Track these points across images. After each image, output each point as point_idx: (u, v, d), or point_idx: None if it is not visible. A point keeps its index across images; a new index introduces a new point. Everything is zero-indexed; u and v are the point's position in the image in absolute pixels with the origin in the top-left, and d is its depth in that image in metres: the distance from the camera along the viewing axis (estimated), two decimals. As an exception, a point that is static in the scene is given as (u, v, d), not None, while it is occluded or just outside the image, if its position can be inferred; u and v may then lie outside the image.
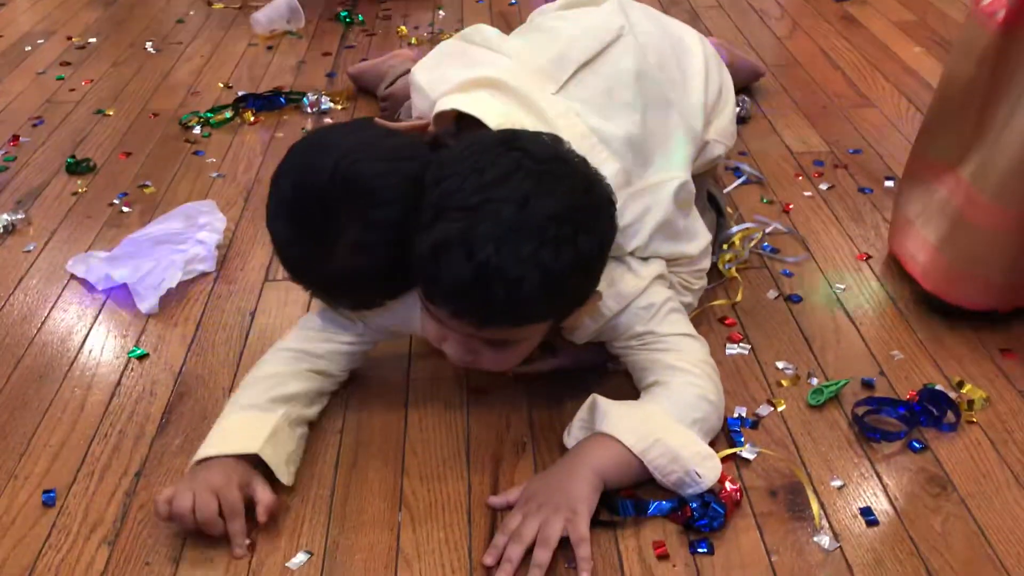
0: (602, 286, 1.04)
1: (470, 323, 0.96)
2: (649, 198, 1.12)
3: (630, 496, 1.02)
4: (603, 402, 1.04)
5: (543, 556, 0.93)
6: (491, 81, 1.15)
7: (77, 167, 1.74)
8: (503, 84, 1.14)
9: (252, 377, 1.13)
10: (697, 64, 1.28)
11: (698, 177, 1.32)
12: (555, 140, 1.00)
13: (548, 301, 0.96)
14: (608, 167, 1.07)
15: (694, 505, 0.99)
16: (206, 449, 1.04)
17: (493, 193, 0.92)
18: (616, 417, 1.02)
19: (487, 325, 0.97)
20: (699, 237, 1.20)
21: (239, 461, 1.02)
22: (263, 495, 1.00)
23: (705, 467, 1.00)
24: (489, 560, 0.95)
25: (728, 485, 1.01)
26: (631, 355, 1.12)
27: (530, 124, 1.08)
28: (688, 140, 1.20)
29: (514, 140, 0.98)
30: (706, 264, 1.23)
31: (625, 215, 1.06)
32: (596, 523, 0.98)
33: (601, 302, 1.06)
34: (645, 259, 1.13)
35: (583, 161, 1.00)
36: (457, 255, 0.91)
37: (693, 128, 1.22)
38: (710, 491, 1.00)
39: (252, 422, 1.06)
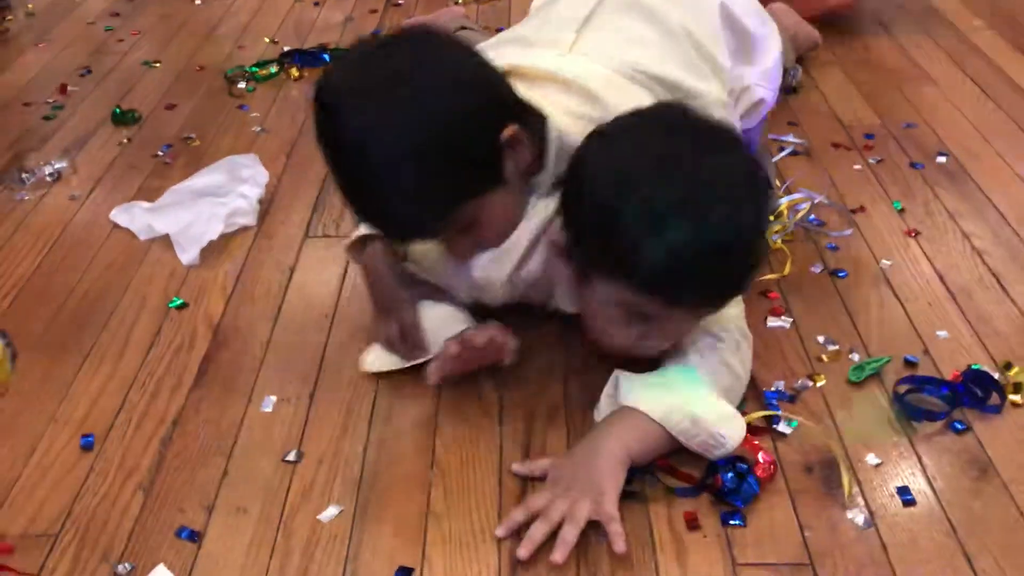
0: None
1: (709, 310, 1.00)
2: None
3: (664, 465, 1.01)
4: (625, 375, 1.03)
5: (571, 533, 0.92)
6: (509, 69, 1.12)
7: (123, 118, 1.75)
8: (517, 69, 1.12)
9: None
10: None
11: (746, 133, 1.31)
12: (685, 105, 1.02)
13: (761, 255, 1.00)
14: (643, 99, 1.08)
15: (727, 478, 0.98)
16: None
17: (700, 178, 0.92)
18: (638, 387, 1.02)
19: (709, 304, 1.00)
20: None
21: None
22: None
23: (728, 427, 0.99)
24: (500, 532, 0.94)
25: (762, 457, 1.00)
26: None
27: (556, 92, 1.07)
28: (716, 70, 1.21)
29: (670, 118, 0.98)
30: None
31: None
32: (626, 494, 0.97)
33: None
34: None
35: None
36: (696, 247, 0.90)
37: (714, 59, 1.23)
38: (743, 461, 0.99)
39: None
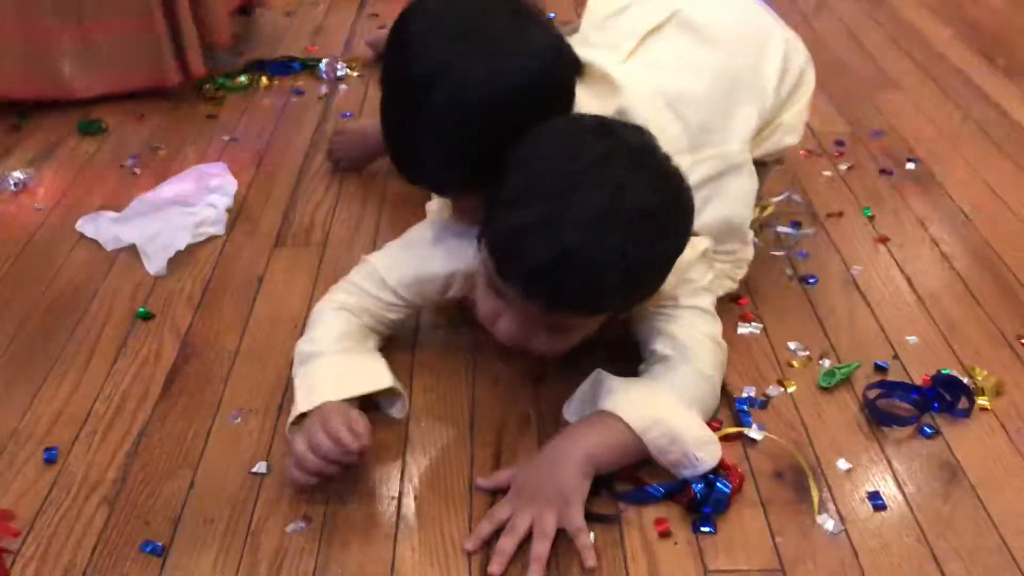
0: None
1: (541, 305, 0.94)
2: (719, 165, 1.12)
3: (631, 477, 1.00)
4: (608, 378, 1.03)
5: (542, 548, 0.91)
6: None
7: (89, 128, 1.73)
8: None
9: (323, 334, 1.08)
10: (775, 45, 1.25)
11: (761, 168, 1.27)
12: (645, 132, 0.98)
13: (623, 294, 0.95)
14: (672, 128, 1.08)
15: (697, 487, 0.97)
16: (323, 394, 0.99)
17: (587, 178, 0.90)
18: (620, 393, 1.00)
19: (558, 310, 0.95)
20: (749, 237, 1.22)
21: (339, 404, 0.99)
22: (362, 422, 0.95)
23: (705, 451, 0.98)
24: (469, 546, 0.93)
25: (731, 469, 1.00)
26: (642, 319, 1.09)
27: (599, 91, 1.07)
28: (754, 115, 1.19)
29: (608, 126, 0.96)
30: (750, 254, 1.24)
31: (690, 180, 1.01)
32: (597, 518, 0.96)
33: None
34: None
35: (668, 157, 0.97)
36: (543, 237, 0.88)
37: (763, 105, 1.21)
38: (715, 472, 0.98)
39: (363, 363, 1.06)
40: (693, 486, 0.97)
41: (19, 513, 0.98)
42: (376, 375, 1.05)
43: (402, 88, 1.02)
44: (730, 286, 1.22)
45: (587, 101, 1.05)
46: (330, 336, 1.08)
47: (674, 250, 0.97)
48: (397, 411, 1.08)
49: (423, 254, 1.12)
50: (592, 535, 0.93)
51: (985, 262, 1.36)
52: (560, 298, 0.93)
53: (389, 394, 1.07)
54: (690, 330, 1.06)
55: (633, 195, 0.90)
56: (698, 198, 1.00)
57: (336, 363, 1.05)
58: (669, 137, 1.03)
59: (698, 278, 1.09)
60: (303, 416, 1.00)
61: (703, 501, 0.97)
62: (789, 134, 1.29)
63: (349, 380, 1.03)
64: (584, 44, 1.16)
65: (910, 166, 1.61)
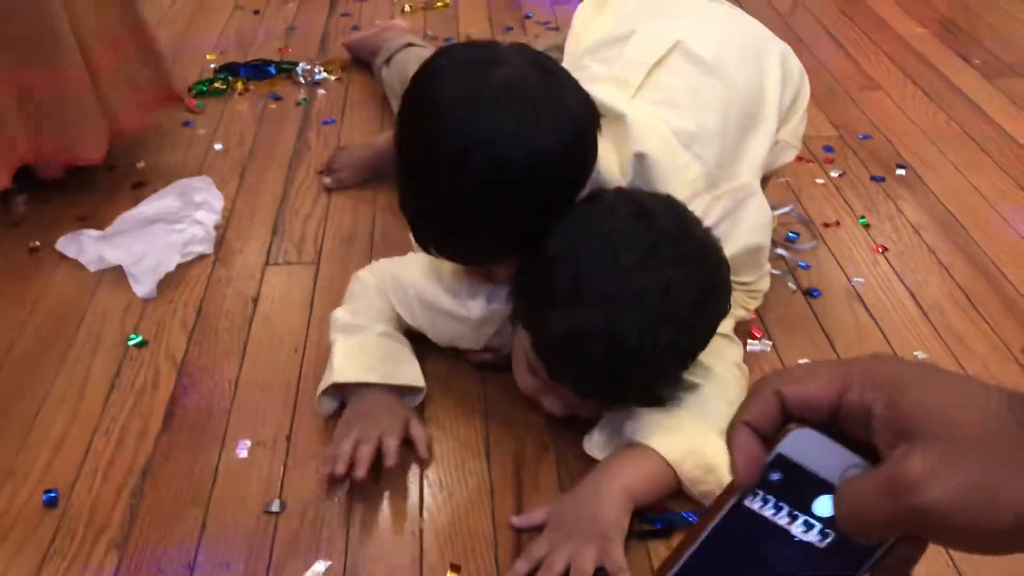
0: None
1: (599, 398, 0.98)
2: (735, 198, 1.10)
3: (662, 508, 0.99)
4: (633, 409, 1.01)
5: None
6: None
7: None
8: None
9: (365, 308, 1.14)
10: (773, 62, 1.23)
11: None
12: (677, 211, 0.96)
13: (678, 375, 0.99)
14: (691, 170, 1.06)
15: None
16: (364, 374, 1.07)
17: (635, 281, 0.90)
18: (651, 424, 0.99)
19: (618, 403, 0.99)
20: (767, 267, 1.20)
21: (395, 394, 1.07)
22: (421, 433, 1.05)
23: None
24: None
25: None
26: None
27: (614, 135, 1.05)
28: (764, 141, 1.17)
29: (647, 217, 0.94)
30: (766, 285, 1.21)
31: (707, 220, 1.03)
32: (639, 535, 0.95)
33: None
34: None
35: (698, 222, 0.97)
36: (600, 344, 0.89)
37: (769, 130, 1.18)
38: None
39: (403, 354, 1.12)
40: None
41: (22, 562, 0.94)
42: (414, 370, 1.10)
43: (433, 160, 0.96)
44: (743, 315, 1.19)
45: (605, 149, 1.02)
46: (371, 313, 1.13)
47: (719, 319, 0.98)
48: (411, 401, 1.11)
49: (449, 324, 1.13)
50: None
51: (983, 271, 1.37)
52: (618, 396, 0.97)
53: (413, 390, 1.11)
54: (718, 358, 1.05)
55: (681, 290, 0.90)
56: (717, 234, 1.00)
57: (380, 345, 1.10)
58: (690, 179, 1.04)
59: None
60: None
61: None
62: (786, 151, 1.27)
63: (391, 368, 1.08)
64: (587, 79, 1.12)
65: (900, 172, 1.61)
